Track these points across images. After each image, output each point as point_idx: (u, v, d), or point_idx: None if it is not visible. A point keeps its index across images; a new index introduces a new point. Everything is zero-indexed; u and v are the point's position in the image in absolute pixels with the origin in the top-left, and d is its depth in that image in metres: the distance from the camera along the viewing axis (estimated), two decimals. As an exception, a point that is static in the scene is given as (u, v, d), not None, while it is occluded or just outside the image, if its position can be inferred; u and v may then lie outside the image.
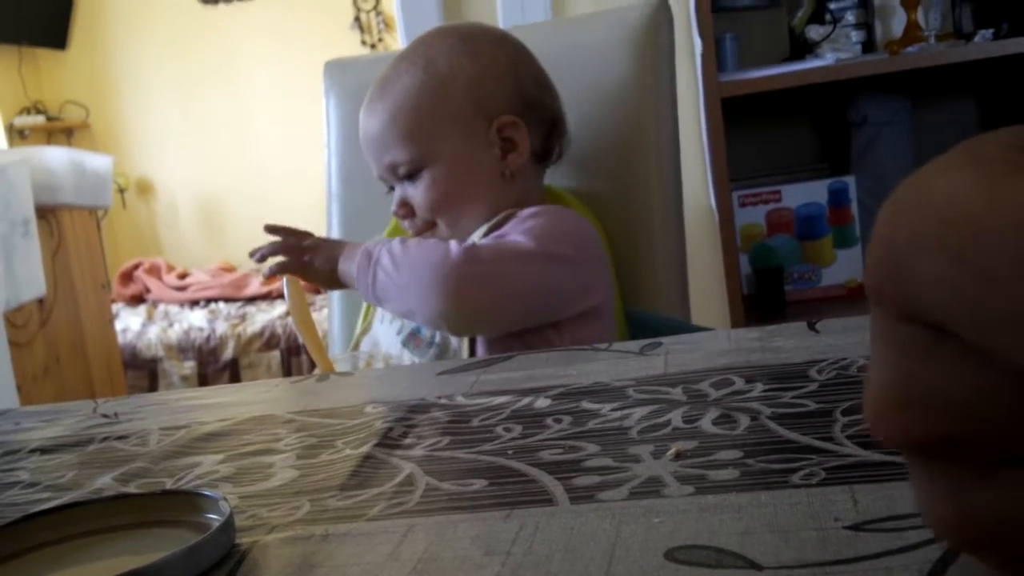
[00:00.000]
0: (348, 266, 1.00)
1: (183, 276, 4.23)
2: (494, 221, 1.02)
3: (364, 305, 1.14)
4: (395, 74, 1.06)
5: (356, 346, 1.11)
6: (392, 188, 1.07)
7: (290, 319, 3.47)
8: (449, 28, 1.12)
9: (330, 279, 1.02)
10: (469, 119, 1.04)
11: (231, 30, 4.51)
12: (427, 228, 1.06)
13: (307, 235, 1.04)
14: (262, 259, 1.03)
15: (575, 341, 0.97)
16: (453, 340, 1.00)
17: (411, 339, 1.03)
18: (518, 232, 0.97)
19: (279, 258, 1.02)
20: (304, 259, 1.02)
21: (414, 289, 0.93)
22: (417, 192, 1.04)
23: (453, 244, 0.95)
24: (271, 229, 1.04)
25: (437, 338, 1.01)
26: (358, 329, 1.13)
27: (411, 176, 1.04)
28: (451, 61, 1.04)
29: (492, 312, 0.95)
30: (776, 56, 2.09)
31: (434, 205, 1.04)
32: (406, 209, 1.05)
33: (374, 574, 0.39)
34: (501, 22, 1.94)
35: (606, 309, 1.04)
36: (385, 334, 1.08)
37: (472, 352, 0.99)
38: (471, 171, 1.04)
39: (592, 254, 1.03)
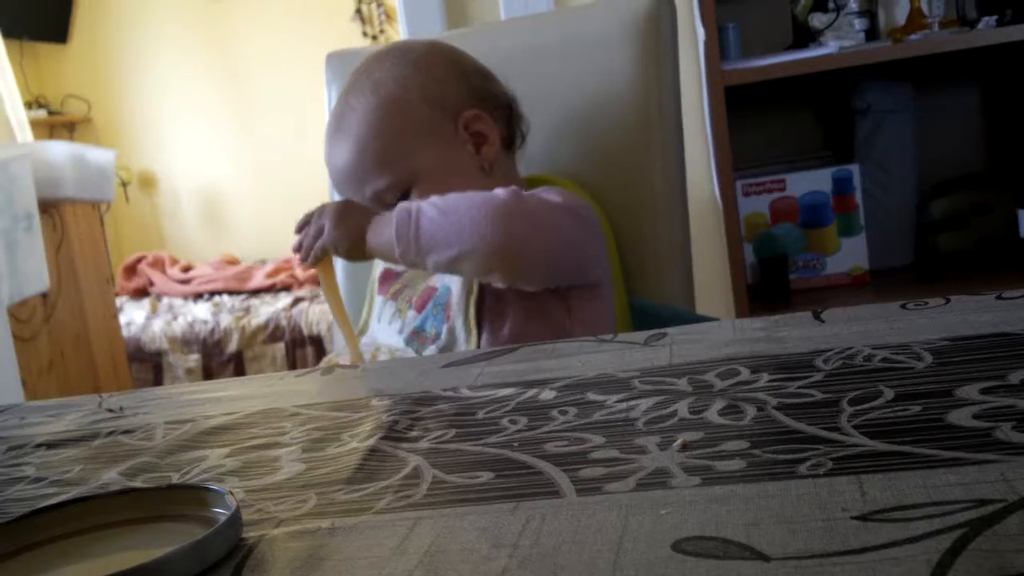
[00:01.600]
0: (381, 229, 0.98)
1: (187, 269, 4.23)
2: None
3: (366, 302, 1.13)
4: (347, 108, 1.05)
5: None
6: None
7: (305, 304, 3.48)
8: (381, 51, 1.10)
9: (353, 248, 1.01)
10: (436, 125, 1.04)
11: (232, 22, 4.50)
12: None
13: (318, 212, 1.03)
14: (299, 253, 1.04)
15: (584, 320, 0.98)
16: (459, 335, 0.99)
17: (415, 337, 1.02)
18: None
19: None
20: (319, 235, 1.01)
21: (467, 229, 0.92)
22: None
23: (497, 188, 0.94)
24: (297, 231, 1.05)
25: (443, 333, 1.00)
26: (361, 320, 1.13)
27: (400, 199, 1.02)
28: (398, 77, 1.04)
29: (539, 255, 0.95)
30: (779, 44, 2.08)
31: None
32: None
33: (381, 567, 0.39)
34: (503, 12, 1.94)
35: (608, 287, 1.04)
36: (385, 335, 1.07)
37: (478, 346, 0.98)
38: (454, 175, 1.03)
39: (598, 227, 1.03)
